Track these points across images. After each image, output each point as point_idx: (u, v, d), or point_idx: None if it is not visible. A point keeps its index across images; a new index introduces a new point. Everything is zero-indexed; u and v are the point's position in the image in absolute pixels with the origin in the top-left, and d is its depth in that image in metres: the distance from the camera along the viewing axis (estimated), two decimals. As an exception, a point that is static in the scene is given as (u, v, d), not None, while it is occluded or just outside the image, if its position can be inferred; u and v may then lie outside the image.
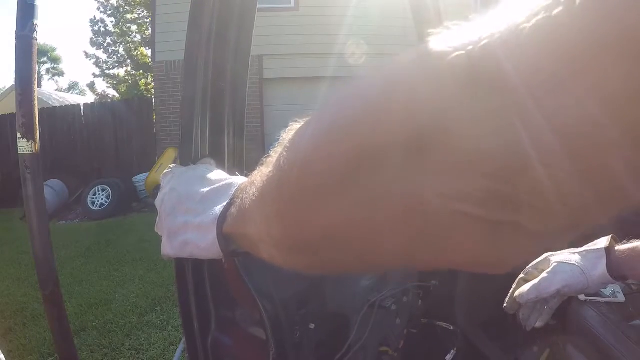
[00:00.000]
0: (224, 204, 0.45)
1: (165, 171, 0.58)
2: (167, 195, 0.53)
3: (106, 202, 6.90)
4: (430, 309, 1.29)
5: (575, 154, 0.18)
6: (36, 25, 0.80)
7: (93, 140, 8.32)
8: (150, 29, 8.00)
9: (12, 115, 7.70)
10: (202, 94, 0.69)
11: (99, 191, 7.02)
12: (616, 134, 0.17)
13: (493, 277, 1.41)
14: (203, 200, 0.49)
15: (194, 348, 0.73)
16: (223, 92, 0.71)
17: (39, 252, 0.83)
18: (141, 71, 15.74)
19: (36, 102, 0.81)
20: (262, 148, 7.79)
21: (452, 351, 1.20)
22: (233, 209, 0.43)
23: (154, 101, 8.36)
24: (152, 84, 8.34)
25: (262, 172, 0.36)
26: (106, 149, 8.19)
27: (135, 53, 15.66)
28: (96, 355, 2.45)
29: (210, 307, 0.72)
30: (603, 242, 0.76)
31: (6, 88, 15.87)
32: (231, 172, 0.58)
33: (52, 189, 7.11)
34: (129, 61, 16.23)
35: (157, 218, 0.55)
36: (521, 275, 0.85)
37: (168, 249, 0.52)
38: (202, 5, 0.67)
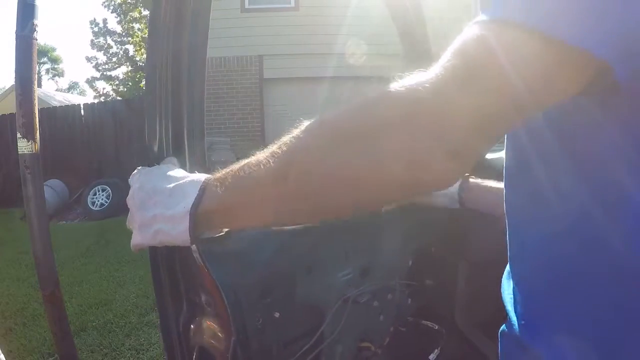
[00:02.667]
0: (193, 198, 0.54)
1: (133, 172, 0.64)
2: (136, 192, 0.60)
3: (106, 202, 6.90)
4: (425, 308, 1.29)
5: None
6: (36, 25, 0.80)
7: (93, 140, 8.32)
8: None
9: (12, 115, 7.70)
10: (162, 97, 0.75)
11: (99, 191, 7.02)
12: None
13: (492, 277, 1.41)
14: (171, 194, 0.57)
15: (167, 327, 0.79)
16: (180, 94, 0.76)
17: (39, 252, 0.83)
18: (141, 72, 15.71)
19: (36, 102, 0.81)
20: (262, 148, 7.75)
21: (436, 350, 1.20)
22: (211, 193, 0.53)
23: (154, 101, 8.35)
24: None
25: (269, 151, 0.51)
26: (106, 149, 8.18)
27: (137, 53, 15.65)
28: (96, 355, 2.45)
29: (182, 289, 0.78)
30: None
31: (6, 88, 15.86)
32: (192, 171, 0.68)
33: (52, 189, 7.11)
34: (128, 63, 16.20)
35: (129, 214, 0.61)
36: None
37: (139, 239, 0.59)
38: (159, 10, 0.73)
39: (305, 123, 0.48)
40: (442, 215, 1.20)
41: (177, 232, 0.54)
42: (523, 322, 0.57)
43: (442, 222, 1.23)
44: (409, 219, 1.14)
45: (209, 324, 0.78)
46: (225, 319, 0.73)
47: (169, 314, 0.79)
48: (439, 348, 1.20)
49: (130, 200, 0.61)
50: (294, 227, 0.82)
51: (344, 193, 0.45)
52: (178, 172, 0.62)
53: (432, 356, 1.21)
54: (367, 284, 1.02)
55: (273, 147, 0.50)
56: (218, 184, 0.53)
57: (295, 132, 0.48)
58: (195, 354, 0.79)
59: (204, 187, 0.54)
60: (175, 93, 0.75)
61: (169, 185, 0.58)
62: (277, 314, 0.83)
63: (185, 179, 0.58)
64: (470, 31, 0.41)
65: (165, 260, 0.75)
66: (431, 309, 1.34)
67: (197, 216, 0.53)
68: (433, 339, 1.24)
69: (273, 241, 0.82)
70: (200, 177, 0.57)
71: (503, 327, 0.62)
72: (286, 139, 0.48)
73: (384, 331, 1.13)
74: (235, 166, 0.53)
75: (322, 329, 0.90)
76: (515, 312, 0.60)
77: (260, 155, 0.51)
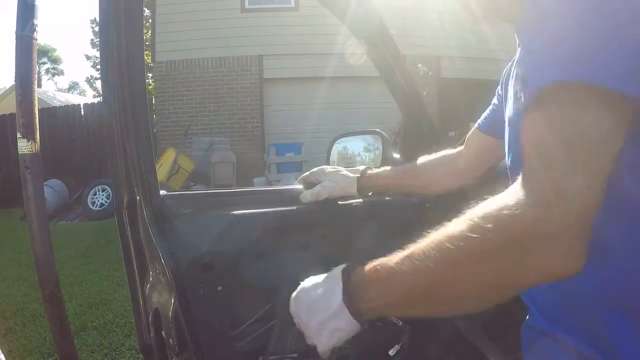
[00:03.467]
0: (339, 294, 0.60)
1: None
2: (300, 318, 0.70)
3: (106, 202, 6.90)
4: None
5: None
6: (36, 25, 0.80)
7: (93, 140, 8.32)
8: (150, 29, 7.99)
9: (12, 115, 7.69)
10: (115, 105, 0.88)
11: (99, 191, 7.02)
12: None
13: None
14: (322, 298, 0.64)
15: (134, 292, 0.96)
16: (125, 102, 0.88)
17: (39, 252, 0.83)
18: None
19: (36, 102, 0.81)
20: (262, 148, 7.78)
21: (396, 346, 1.24)
22: (355, 285, 0.60)
23: (154, 101, 8.36)
24: (152, 84, 8.32)
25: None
26: (106, 149, 8.17)
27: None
28: (96, 355, 2.45)
29: (147, 260, 0.92)
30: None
31: (6, 88, 15.86)
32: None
33: (52, 189, 7.11)
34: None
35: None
36: (303, 175, 1.15)
37: (322, 346, 0.66)
38: (105, 39, 0.86)
39: (439, 234, 0.52)
40: (426, 213, 1.23)
41: (345, 323, 0.60)
42: (543, 315, 0.68)
43: (425, 220, 1.26)
44: (384, 216, 1.19)
45: (162, 290, 0.89)
46: (171, 286, 0.84)
47: (135, 282, 0.94)
48: (399, 344, 1.26)
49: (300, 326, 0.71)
50: (241, 215, 0.98)
51: (485, 297, 0.53)
52: (314, 281, 0.71)
53: (391, 351, 1.26)
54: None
55: (413, 251, 0.54)
56: (360, 276, 0.60)
57: (430, 242, 0.52)
58: (151, 314, 0.92)
59: (344, 279, 0.61)
60: (120, 100, 0.87)
61: (317, 293, 0.67)
62: (219, 288, 0.94)
63: (324, 279, 0.68)
64: (536, 124, 0.47)
65: (132, 237, 0.90)
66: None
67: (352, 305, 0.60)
68: (395, 335, 1.28)
69: (221, 224, 0.95)
70: (337, 271, 0.64)
71: (526, 321, 0.74)
72: (424, 247, 0.52)
73: None
74: (373, 264, 0.59)
75: (267, 308, 1.00)
76: (534, 306, 0.70)
77: (403, 258, 0.55)
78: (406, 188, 1.14)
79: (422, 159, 1.11)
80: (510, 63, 0.82)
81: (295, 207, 1.06)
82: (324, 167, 1.13)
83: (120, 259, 1.03)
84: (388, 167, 1.14)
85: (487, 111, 0.97)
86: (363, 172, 1.10)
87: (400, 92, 1.31)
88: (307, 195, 1.06)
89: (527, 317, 0.76)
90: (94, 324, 2.85)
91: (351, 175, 1.08)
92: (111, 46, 0.85)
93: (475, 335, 1.35)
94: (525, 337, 0.75)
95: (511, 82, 0.73)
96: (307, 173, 1.14)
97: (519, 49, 0.69)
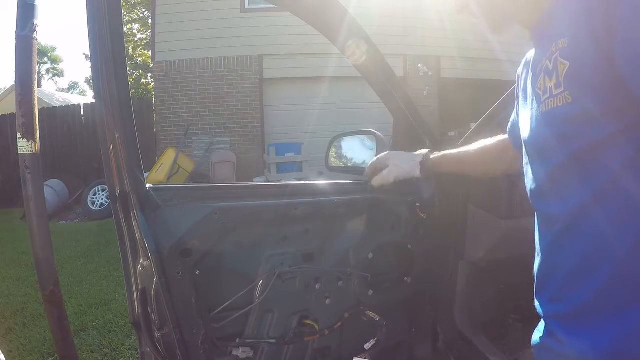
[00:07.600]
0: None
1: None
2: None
3: (106, 202, 6.90)
4: (402, 302, 1.39)
5: None
6: (36, 25, 0.80)
7: (93, 140, 8.31)
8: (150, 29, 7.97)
9: (12, 115, 7.69)
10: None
11: (99, 191, 7.02)
12: None
13: (492, 280, 1.41)
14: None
15: (128, 273, 1.04)
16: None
17: (39, 252, 0.83)
18: (141, 71, 15.72)
19: (36, 102, 0.81)
20: (262, 148, 7.78)
21: (372, 340, 1.28)
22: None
23: (154, 101, 8.35)
24: (152, 84, 8.30)
25: None
26: (106, 149, 8.16)
27: (135, 53, 15.64)
28: (96, 355, 2.45)
29: (137, 244, 1.01)
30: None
31: (6, 88, 15.86)
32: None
33: (52, 189, 7.11)
34: (127, 61, 16.17)
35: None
36: (372, 161, 1.25)
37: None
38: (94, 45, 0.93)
39: None
40: (415, 215, 1.27)
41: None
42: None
43: (417, 221, 1.29)
44: (369, 216, 1.24)
45: (146, 271, 1.00)
46: (153, 267, 0.95)
47: (128, 264, 1.03)
48: (375, 339, 1.32)
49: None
50: (224, 206, 1.07)
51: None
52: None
53: (367, 345, 1.30)
54: (307, 267, 1.18)
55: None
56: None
57: None
58: (139, 293, 1.02)
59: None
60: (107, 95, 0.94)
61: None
62: (197, 272, 1.05)
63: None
64: None
65: (124, 224, 1.02)
66: (408, 303, 1.38)
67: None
68: (372, 330, 1.33)
69: (199, 214, 1.04)
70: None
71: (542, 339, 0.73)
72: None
73: (332, 315, 1.22)
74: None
75: (242, 293, 1.10)
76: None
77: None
78: (467, 174, 1.21)
79: (480, 143, 1.13)
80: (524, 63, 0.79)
81: (270, 202, 1.14)
82: (391, 152, 1.23)
83: (120, 259, 1.07)
84: (447, 152, 1.19)
85: (513, 115, 0.91)
86: (426, 156, 1.18)
87: (389, 95, 1.38)
88: (378, 179, 1.18)
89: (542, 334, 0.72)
90: (94, 324, 2.85)
91: (414, 160, 1.18)
92: (98, 50, 0.93)
93: (475, 335, 1.35)
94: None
95: (529, 84, 0.69)
96: (374, 159, 1.23)
97: (533, 50, 0.69)
